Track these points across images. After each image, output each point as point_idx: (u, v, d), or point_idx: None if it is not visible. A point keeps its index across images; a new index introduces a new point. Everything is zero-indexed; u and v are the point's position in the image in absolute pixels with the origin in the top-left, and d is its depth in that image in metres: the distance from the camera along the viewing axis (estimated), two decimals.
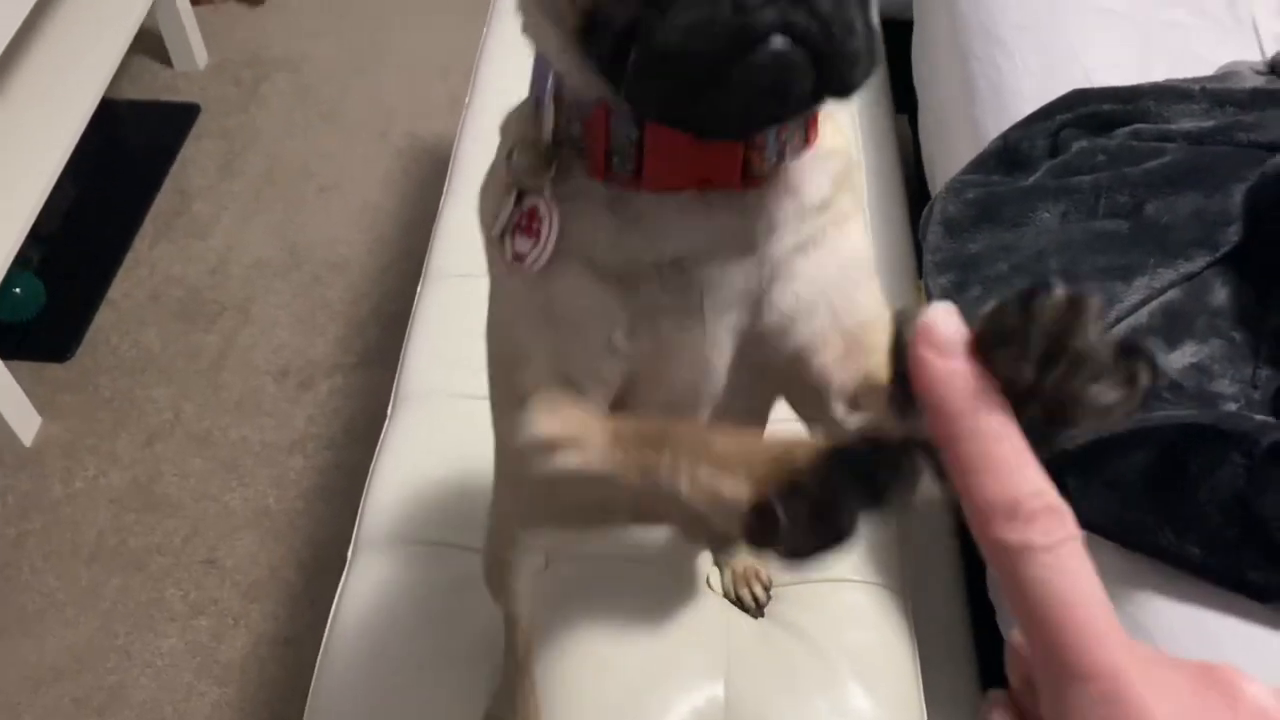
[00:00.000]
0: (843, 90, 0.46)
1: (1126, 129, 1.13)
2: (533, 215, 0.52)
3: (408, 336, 1.32)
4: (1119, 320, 1.00)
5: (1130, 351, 0.32)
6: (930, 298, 1.08)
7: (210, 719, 1.48)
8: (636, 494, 0.48)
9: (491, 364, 0.64)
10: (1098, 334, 0.31)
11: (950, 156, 1.46)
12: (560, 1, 0.47)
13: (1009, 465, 0.29)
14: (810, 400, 0.56)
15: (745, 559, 1.08)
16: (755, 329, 0.55)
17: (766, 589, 1.08)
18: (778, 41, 0.42)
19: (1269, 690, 0.29)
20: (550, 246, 0.51)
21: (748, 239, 0.53)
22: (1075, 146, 1.12)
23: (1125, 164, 1.07)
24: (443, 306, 1.32)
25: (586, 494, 0.53)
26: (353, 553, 1.19)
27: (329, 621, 1.16)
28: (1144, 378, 0.32)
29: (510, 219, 0.53)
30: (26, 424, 1.75)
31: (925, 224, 1.14)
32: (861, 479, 0.36)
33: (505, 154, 0.54)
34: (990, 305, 0.31)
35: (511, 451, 0.57)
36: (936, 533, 1.28)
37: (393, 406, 1.26)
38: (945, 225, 1.10)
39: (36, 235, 1.83)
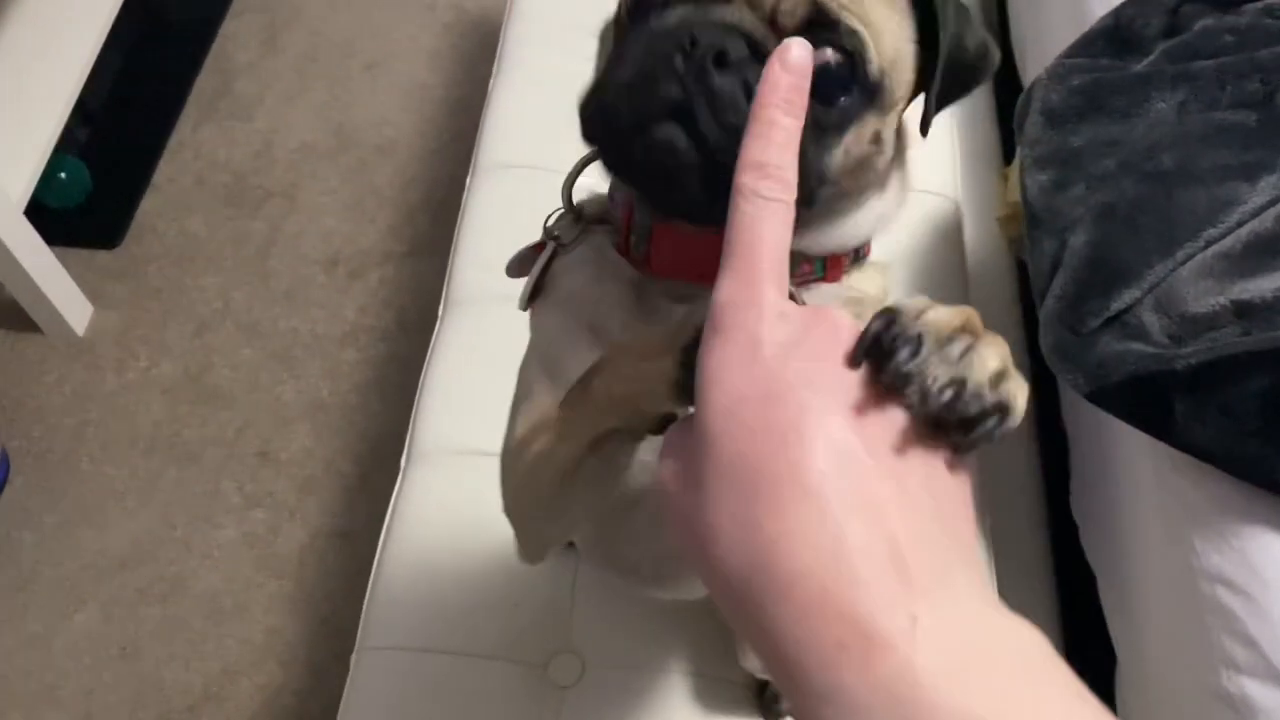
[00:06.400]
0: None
1: (1257, 4, 1.00)
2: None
3: (456, 236, 1.25)
4: (1240, 224, 0.89)
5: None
6: (1026, 194, 0.98)
7: (268, 610, 1.49)
8: (591, 429, 0.53)
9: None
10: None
11: (1046, 32, 1.32)
12: None
13: (777, 145, 0.39)
14: None
15: None
16: None
17: None
18: (669, 130, 0.48)
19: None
20: (533, 277, 0.61)
21: None
22: (1198, 25, 1.00)
23: (1256, 46, 0.95)
24: (492, 202, 1.25)
25: (559, 466, 0.57)
26: (406, 459, 1.15)
27: (387, 518, 1.13)
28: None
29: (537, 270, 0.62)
30: (79, 313, 1.73)
31: (1022, 112, 1.03)
32: None
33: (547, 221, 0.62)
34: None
35: (505, 468, 0.64)
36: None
37: (443, 309, 1.20)
38: (1046, 115, 0.99)
39: (83, 114, 1.76)
